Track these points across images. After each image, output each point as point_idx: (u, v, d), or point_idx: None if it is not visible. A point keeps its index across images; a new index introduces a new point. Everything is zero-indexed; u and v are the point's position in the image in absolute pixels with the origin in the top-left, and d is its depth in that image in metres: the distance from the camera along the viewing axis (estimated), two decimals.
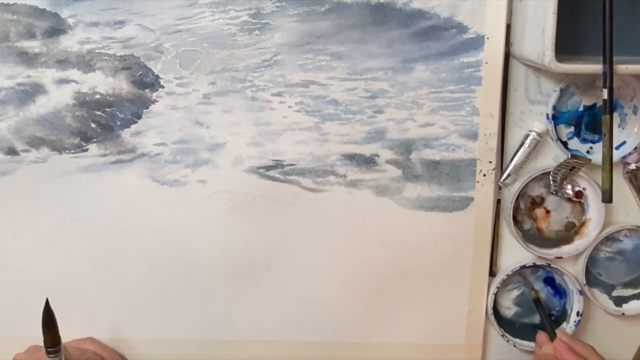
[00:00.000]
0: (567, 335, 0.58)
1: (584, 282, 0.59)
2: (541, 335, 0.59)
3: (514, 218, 0.58)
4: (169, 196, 0.57)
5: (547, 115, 0.55)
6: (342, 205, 0.57)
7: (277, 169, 0.56)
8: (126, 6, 0.53)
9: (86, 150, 0.56)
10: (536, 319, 0.62)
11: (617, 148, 0.56)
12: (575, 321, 0.60)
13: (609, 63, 0.48)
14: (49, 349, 0.50)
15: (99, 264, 0.59)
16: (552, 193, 0.58)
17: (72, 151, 0.56)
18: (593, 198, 0.58)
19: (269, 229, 0.58)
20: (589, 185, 0.57)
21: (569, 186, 0.57)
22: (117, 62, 0.54)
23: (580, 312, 0.60)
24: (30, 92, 0.54)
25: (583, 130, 0.57)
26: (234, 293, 0.60)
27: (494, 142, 0.56)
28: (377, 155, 0.56)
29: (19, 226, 0.58)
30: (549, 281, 0.61)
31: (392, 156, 0.56)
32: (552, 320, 0.60)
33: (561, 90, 0.55)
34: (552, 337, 0.58)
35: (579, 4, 0.52)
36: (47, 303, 0.49)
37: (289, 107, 0.55)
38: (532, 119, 0.56)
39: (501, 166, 0.57)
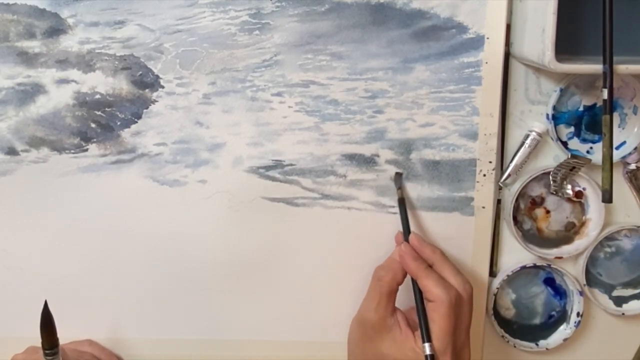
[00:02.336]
0: (418, 238, 0.53)
1: (584, 282, 0.59)
2: (399, 235, 0.55)
3: (514, 218, 0.58)
4: (169, 196, 0.57)
5: (547, 115, 0.55)
6: (342, 205, 0.57)
7: (277, 169, 0.56)
8: (126, 6, 0.53)
9: (86, 150, 0.56)
10: (536, 319, 0.62)
11: (617, 148, 0.56)
12: (575, 322, 0.60)
13: (609, 63, 0.48)
14: (47, 351, 0.50)
15: (99, 263, 0.59)
16: (552, 193, 0.58)
17: (72, 151, 0.56)
18: (593, 198, 0.58)
19: (269, 229, 0.58)
20: (589, 185, 0.57)
21: (569, 186, 0.57)
22: (117, 62, 0.54)
23: (581, 313, 0.60)
24: (30, 92, 0.54)
25: (583, 130, 0.57)
26: (234, 293, 0.60)
27: (494, 142, 0.56)
28: (377, 155, 0.56)
29: (19, 226, 0.58)
30: (549, 282, 0.61)
31: (392, 156, 0.56)
32: (407, 223, 0.55)
33: (561, 90, 0.55)
34: (407, 238, 0.54)
35: (579, 4, 0.52)
36: (45, 305, 0.49)
37: (289, 107, 0.55)
38: (532, 119, 0.56)
39: (501, 166, 0.57)
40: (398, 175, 0.56)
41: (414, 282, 0.51)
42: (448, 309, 0.48)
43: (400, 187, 0.56)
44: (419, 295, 0.51)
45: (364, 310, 0.53)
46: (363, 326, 0.53)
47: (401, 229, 0.55)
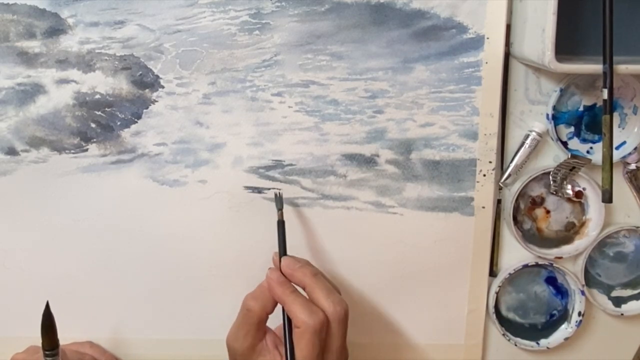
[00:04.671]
0: (289, 263, 0.51)
1: (583, 282, 0.59)
2: (275, 258, 0.53)
3: (514, 218, 0.58)
4: (169, 196, 0.57)
5: (547, 115, 0.55)
6: (342, 205, 0.57)
7: (277, 169, 0.56)
8: (126, 6, 0.53)
9: (86, 150, 0.56)
10: (538, 319, 0.62)
11: (617, 148, 0.56)
12: (577, 321, 0.60)
13: (609, 63, 0.48)
14: (47, 352, 0.50)
15: (99, 264, 0.59)
16: (552, 193, 0.58)
17: (72, 151, 0.56)
18: (593, 198, 0.58)
19: (269, 229, 0.58)
20: (589, 185, 0.57)
21: (569, 186, 0.57)
22: (117, 62, 0.54)
23: (582, 312, 0.60)
24: (30, 92, 0.54)
25: (583, 130, 0.57)
26: (234, 293, 0.59)
27: (494, 142, 0.56)
28: (377, 155, 0.56)
29: (19, 226, 0.57)
30: (551, 281, 0.61)
31: (392, 156, 0.56)
32: (285, 247, 0.53)
33: (561, 90, 0.55)
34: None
35: (579, 4, 0.52)
36: (47, 306, 0.49)
37: (289, 107, 0.55)
38: (532, 119, 0.56)
39: (501, 166, 0.57)
40: (278, 197, 0.55)
41: (284, 310, 0.49)
42: (312, 336, 0.46)
43: (281, 209, 0.54)
44: (287, 322, 0.49)
45: (232, 338, 0.50)
46: (232, 353, 0.51)
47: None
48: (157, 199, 0.57)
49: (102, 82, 0.54)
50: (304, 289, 0.50)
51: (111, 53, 0.54)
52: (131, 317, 0.60)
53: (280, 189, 0.56)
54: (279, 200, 0.55)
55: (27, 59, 0.54)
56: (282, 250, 0.53)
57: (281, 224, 0.53)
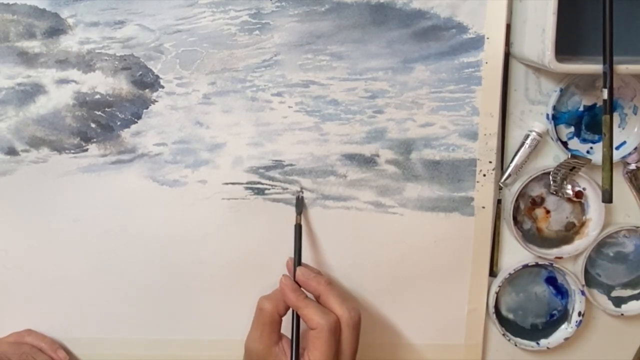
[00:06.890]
0: (304, 272, 0.53)
1: (583, 282, 0.59)
2: (289, 263, 0.55)
3: (514, 218, 0.58)
4: (169, 196, 0.57)
5: (547, 115, 0.55)
6: (342, 205, 0.57)
7: (277, 169, 0.56)
8: (126, 6, 0.53)
9: (86, 150, 0.56)
10: (538, 319, 0.62)
11: (617, 148, 0.56)
12: (577, 321, 0.60)
13: (609, 63, 0.48)
14: None
15: (99, 263, 0.59)
16: (552, 193, 0.58)
17: (72, 151, 0.56)
18: (593, 198, 0.58)
19: (269, 229, 0.58)
20: (589, 185, 0.57)
21: (569, 186, 0.57)
22: (117, 62, 0.54)
23: (582, 312, 0.60)
24: (30, 92, 0.54)
25: (583, 130, 0.57)
26: (234, 293, 0.59)
27: (494, 142, 0.56)
28: (377, 155, 0.56)
29: (19, 226, 0.57)
30: (551, 281, 0.61)
31: (392, 156, 0.56)
32: (300, 253, 0.54)
33: (561, 90, 0.55)
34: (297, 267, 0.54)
35: (579, 4, 0.52)
36: None
37: (289, 107, 0.55)
38: (532, 119, 0.56)
39: (501, 166, 0.57)
40: (300, 200, 0.55)
41: (294, 313, 0.51)
42: (328, 335, 0.48)
43: (300, 212, 0.55)
44: (295, 326, 0.51)
45: (249, 340, 0.52)
46: (249, 356, 0.52)
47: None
48: (157, 199, 0.57)
49: (102, 82, 0.54)
50: (317, 297, 0.52)
51: (111, 53, 0.54)
52: (131, 317, 0.60)
53: (301, 191, 0.56)
54: (300, 203, 0.55)
55: (27, 59, 0.54)
56: (298, 256, 0.54)
57: (298, 229, 0.54)
